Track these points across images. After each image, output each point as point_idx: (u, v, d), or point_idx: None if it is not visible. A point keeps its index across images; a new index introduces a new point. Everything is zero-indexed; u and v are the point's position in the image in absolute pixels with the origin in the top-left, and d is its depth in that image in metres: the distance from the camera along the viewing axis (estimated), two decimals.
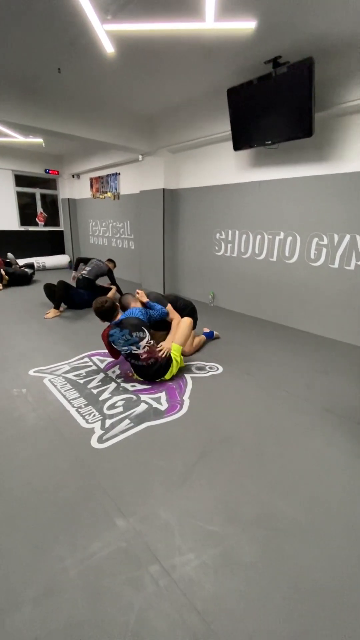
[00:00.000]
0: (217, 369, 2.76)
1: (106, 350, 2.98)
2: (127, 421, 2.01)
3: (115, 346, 2.47)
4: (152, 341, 2.50)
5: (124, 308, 2.76)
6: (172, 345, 2.57)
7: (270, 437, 1.91)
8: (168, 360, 2.46)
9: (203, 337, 3.28)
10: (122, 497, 1.47)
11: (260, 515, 1.40)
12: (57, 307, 4.15)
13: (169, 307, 2.88)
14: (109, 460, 1.70)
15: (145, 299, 2.80)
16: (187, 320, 2.75)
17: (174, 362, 2.50)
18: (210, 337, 3.42)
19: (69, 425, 1.97)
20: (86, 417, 2.05)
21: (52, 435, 1.88)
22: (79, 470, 1.62)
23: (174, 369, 2.50)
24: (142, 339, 2.41)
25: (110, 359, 2.86)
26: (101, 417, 2.04)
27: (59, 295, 4.16)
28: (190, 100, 3.98)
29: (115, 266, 5.07)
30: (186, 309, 3.12)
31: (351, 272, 3.27)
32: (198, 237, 4.80)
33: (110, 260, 5.07)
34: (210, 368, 2.77)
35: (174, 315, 2.86)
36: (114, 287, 4.77)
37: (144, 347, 2.40)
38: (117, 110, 4.36)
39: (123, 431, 1.92)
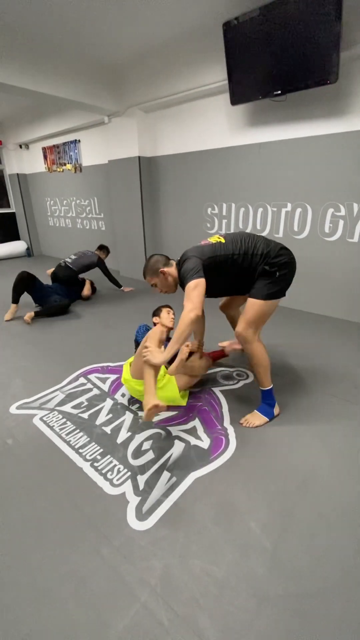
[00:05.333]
0: (246, 375, 2.29)
1: (104, 364, 2.40)
2: (166, 474, 1.49)
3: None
4: None
5: None
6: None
7: (351, 470, 1.50)
8: None
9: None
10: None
11: None
12: (14, 300, 3.39)
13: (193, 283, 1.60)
14: (161, 551, 1.18)
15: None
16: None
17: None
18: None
19: (87, 491, 1.41)
20: (108, 475, 1.49)
21: (66, 513, 1.32)
22: (125, 582, 1.09)
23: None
24: None
25: (114, 376, 2.27)
26: (129, 473, 1.50)
27: (19, 287, 3.37)
28: (171, 42, 3.21)
29: (107, 254, 4.23)
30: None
31: None
32: (185, 213, 4.16)
33: (100, 247, 4.20)
34: (238, 375, 2.29)
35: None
36: (88, 282, 4.02)
37: None
38: (75, 57, 3.45)
39: (165, 493, 1.39)
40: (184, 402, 1.95)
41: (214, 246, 1.73)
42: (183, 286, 1.73)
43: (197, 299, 1.54)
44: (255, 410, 1.85)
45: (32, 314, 3.24)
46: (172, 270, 1.79)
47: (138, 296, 4.09)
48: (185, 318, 1.50)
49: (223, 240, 1.74)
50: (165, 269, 1.79)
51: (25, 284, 3.37)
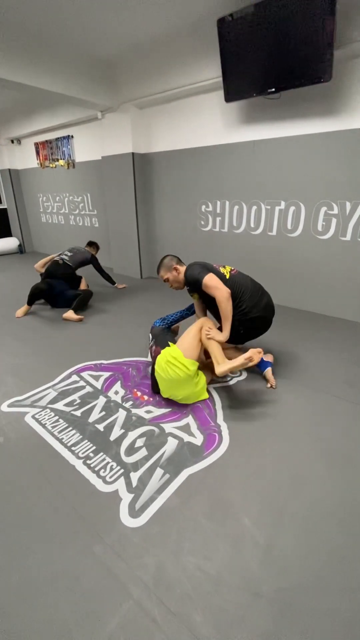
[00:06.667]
0: (239, 372, 2.30)
1: (98, 361, 2.39)
2: (159, 471, 1.48)
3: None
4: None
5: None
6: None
7: (343, 465, 1.51)
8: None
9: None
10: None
11: None
12: (29, 303, 3.40)
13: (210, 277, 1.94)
14: (154, 548, 1.18)
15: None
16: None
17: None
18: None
19: (80, 489, 1.40)
20: (101, 472, 1.48)
21: (58, 511, 1.31)
22: (118, 579, 1.09)
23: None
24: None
25: (108, 374, 2.26)
26: (122, 470, 1.49)
27: (37, 293, 3.36)
28: (165, 38, 3.18)
29: (97, 250, 4.12)
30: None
31: None
32: (179, 210, 4.15)
33: (90, 244, 4.08)
34: (231, 372, 2.29)
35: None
36: (84, 278, 3.98)
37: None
38: (69, 51, 3.40)
39: (159, 490, 1.39)
40: (206, 395, 2.00)
41: (218, 271, 2.04)
42: (190, 290, 2.14)
43: (218, 284, 1.90)
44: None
45: (75, 315, 3.23)
46: (182, 269, 2.10)
47: (131, 293, 4.07)
48: (222, 299, 1.87)
49: (227, 277, 2.04)
50: (178, 266, 2.11)
51: (39, 294, 3.41)
